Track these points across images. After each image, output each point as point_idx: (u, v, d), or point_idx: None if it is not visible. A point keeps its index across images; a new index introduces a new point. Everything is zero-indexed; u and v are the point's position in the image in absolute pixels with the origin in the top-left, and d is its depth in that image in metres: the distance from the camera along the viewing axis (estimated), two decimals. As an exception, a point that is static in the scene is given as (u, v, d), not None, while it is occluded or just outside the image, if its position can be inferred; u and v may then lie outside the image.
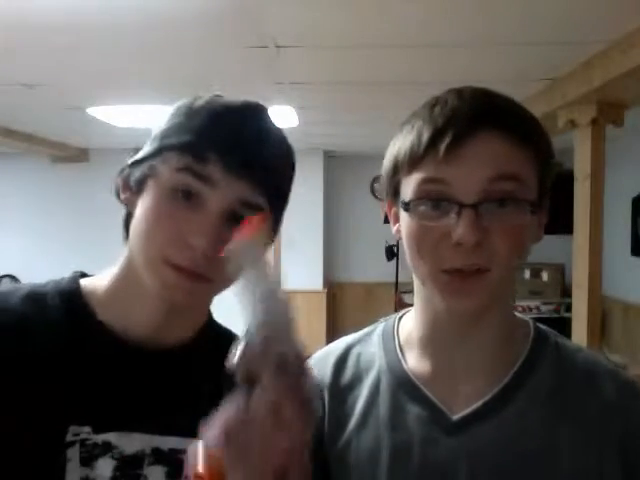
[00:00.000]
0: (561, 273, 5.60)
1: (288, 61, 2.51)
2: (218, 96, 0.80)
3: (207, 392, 0.80)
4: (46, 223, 6.08)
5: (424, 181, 0.75)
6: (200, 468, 0.60)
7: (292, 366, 0.63)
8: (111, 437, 0.75)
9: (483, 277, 0.74)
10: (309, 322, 5.99)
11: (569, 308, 3.97)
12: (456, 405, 0.79)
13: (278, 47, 2.26)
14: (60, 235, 5.95)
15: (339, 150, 6.04)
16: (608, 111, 2.63)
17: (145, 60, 2.52)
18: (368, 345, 0.90)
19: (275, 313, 0.64)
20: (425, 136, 0.74)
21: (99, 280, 0.83)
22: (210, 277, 0.75)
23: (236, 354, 0.62)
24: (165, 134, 0.77)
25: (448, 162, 0.73)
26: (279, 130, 0.81)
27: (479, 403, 0.78)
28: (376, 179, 6.35)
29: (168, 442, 0.78)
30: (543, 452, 0.75)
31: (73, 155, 5.68)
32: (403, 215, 0.79)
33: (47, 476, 0.72)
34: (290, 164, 0.82)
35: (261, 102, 0.83)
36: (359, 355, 0.89)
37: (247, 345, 0.62)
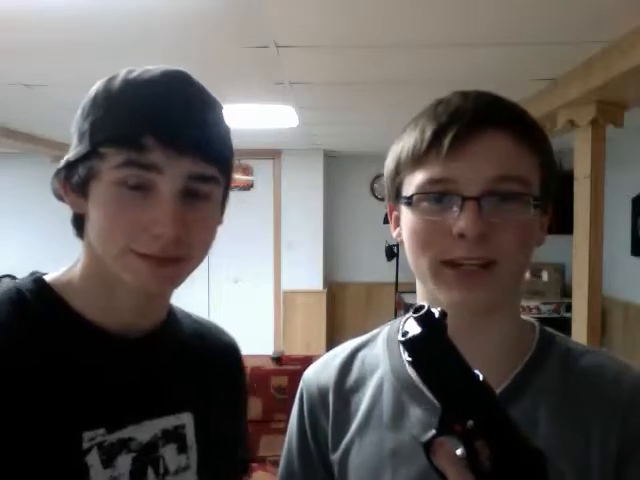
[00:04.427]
0: (561, 273, 5.60)
1: (288, 61, 2.51)
2: (131, 71, 0.75)
3: (188, 367, 0.85)
4: (46, 223, 6.08)
5: (428, 182, 0.74)
6: None
7: None
8: (126, 432, 0.75)
9: (490, 271, 0.73)
10: (309, 322, 5.99)
11: (569, 308, 3.97)
12: None
13: (278, 47, 2.26)
14: (60, 235, 5.93)
15: (339, 150, 6.04)
16: (608, 111, 2.63)
17: (145, 60, 2.51)
18: (373, 348, 0.89)
19: None
20: (428, 133, 0.74)
21: (65, 276, 0.81)
22: (181, 256, 0.74)
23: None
24: (93, 129, 0.73)
25: (451, 159, 0.72)
26: (205, 91, 0.77)
27: None
28: (376, 179, 6.36)
29: (170, 421, 0.80)
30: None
31: (73, 155, 5.67)
32: (405, 211, 0.78)
33: None
34: (223, 119, 0.78)
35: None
36: (364, 358, 0.89)
37: None
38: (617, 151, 4.01)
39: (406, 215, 0.78)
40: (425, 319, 0.60)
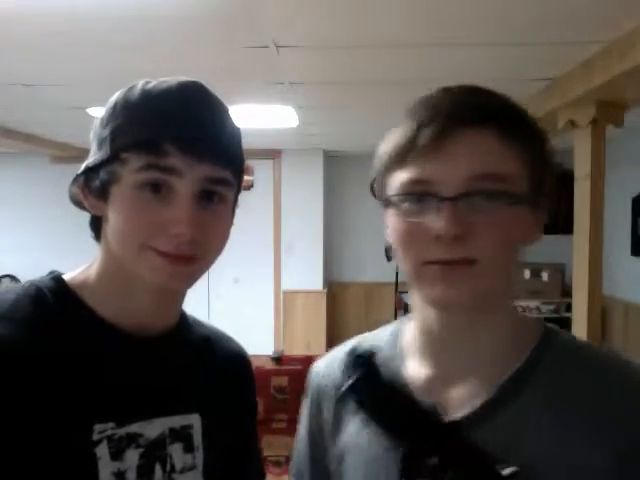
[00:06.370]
0: (561, 273, 5.60)
1: (288, 61, 2.51)
2: (148, 82, 0.79)
3: (197, 370, 0.88)
4: (46, 223, 6.09)
5: (408, 182, 0.74)
6: None
7: None
8: (135, 428, 0.78)
9: (469, 268, 0.71)
10: (309, 322, 6.00)
11: (569, 308, 3.97)
12: (451, 409, 0.76)
13: (278, 47, 2.26)
14: (60, 235, 5.95)
15: (339, 150, 6.04)
16: (608, 111, 2.63)
17: (145, 60, 2.52)
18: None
19: None
20: (408, 132, 0.73)
21: (82, 276, 0.84)
22: (196, 255, 0.78)
23: None
24: (113, 136, 0.77)
25: (428, 159, 0.72)
26: (217, 99, 0.81)
27: (474, 406, 0.75)
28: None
29: (176, 421, 0.83)
30: (542, 455, 0.72)
31: (73, 155, 5.68)
32: (389, 212, 0.78)
33: (78, 478, 0.74)
34: (235, 125, 0.84)
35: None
36: None
37: None
38: (617, 151, 4.01)
39: (389, 215, 0.78)
40: (353, 365, 0.60)
